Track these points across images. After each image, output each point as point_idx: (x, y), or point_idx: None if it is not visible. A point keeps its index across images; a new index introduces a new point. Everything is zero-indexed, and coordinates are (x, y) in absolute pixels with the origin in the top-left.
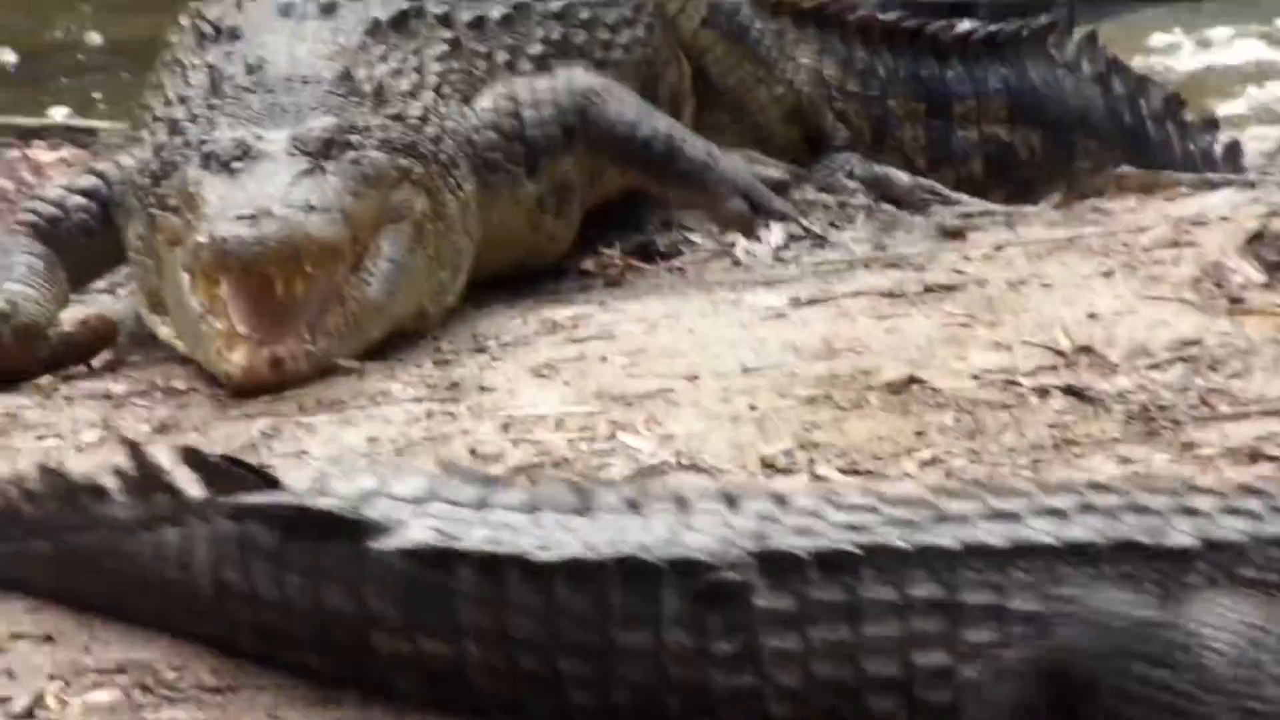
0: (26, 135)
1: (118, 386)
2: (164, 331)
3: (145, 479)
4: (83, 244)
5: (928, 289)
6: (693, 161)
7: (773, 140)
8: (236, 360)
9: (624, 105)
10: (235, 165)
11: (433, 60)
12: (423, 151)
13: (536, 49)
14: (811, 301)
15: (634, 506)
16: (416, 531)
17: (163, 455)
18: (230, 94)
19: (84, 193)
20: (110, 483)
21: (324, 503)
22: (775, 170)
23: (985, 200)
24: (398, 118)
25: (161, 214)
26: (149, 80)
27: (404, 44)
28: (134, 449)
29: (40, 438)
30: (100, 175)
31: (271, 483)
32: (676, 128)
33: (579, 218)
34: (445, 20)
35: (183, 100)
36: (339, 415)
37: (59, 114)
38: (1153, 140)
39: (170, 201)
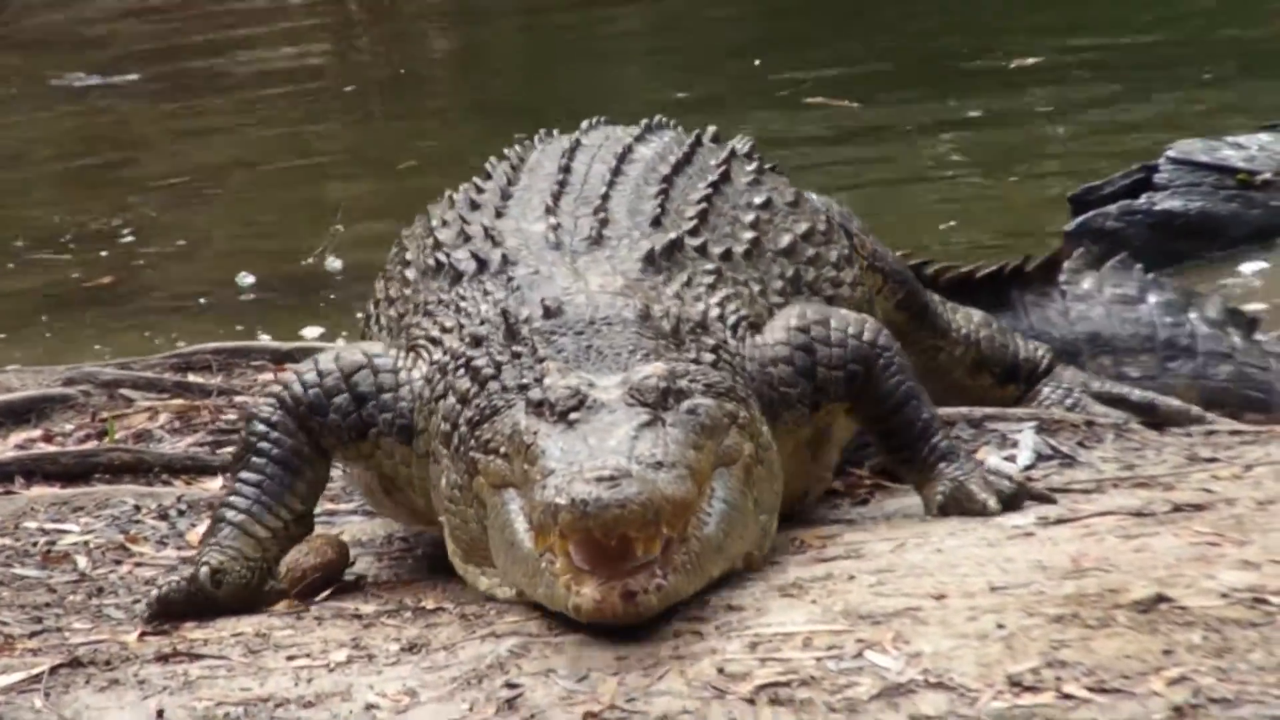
0: (280, 358)
1: (367, 606)
2: (485, 583)
3: None
4: (339, 449)
5: (1176, 508)
6: (933, 449)
7: (971, 391)
8: (588, 594)
9: (902, 371)
10: (573, 416)
11: (706, 289)
12: (742, 395)
13: (778, 284)
14: (1059, 521)
15: None
16: None
17: None
18: (533, 335)
19: (352, 395)
20: None
21: None
22: None
23: None
24: (706, 354)
25: (485, 458)
26: (388, 292)
27: (677, 274)
28: None
29: (291, 657)
30: (374, 383)
31: None
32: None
33: (834, 460)
34: (702, 251)
35: (476, 341)
36: (586, 634)
37: (312, 335)
38: None
39: (496, 447)
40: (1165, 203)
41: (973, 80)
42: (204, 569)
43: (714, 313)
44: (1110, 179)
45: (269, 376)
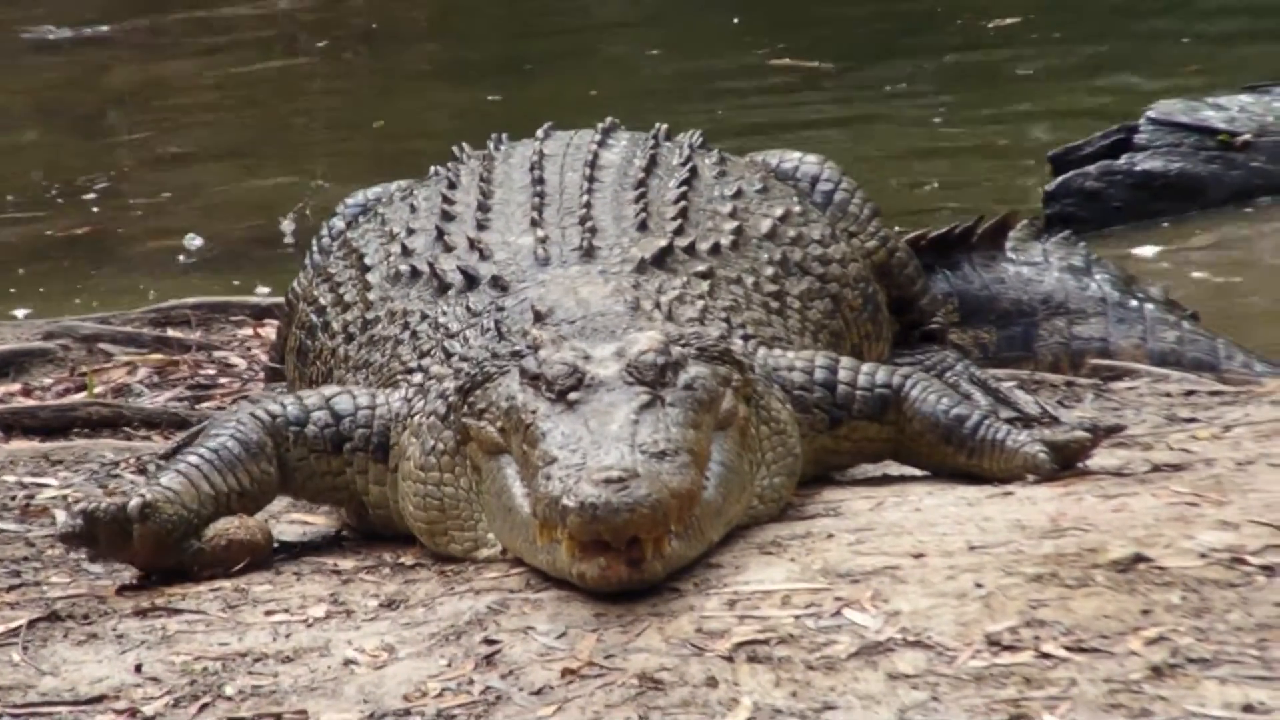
0: (260, 314)
1: (346, 562)
2: (458, 550)
3: None
4: (308, 462)
5: (1155, 468)
6: (999, 429)
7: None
8: (594, 560)
9: (933, 384)
10: (571, 396)
11: (699, 289)
12: (738, 358)
13: (769, 270)
14: (1037, 480)
15: None
16: None
17: None
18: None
19: (331, 413)
20: None
21: None
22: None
23: None
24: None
25: (477, 424)
26: (340, 296)
27: (670, 279)
28: None
29: (269, 613)
30: (353, 404)
31: None
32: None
33: None
34: (691, 250)
35: (465, 359)
36: (565, 591)
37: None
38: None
39: (493, 417)
40: (1145, 163)
41: (952, 42)
42: (135, 500)
43: (719, 316)
44: (1090, 139)
45: (248, 332)
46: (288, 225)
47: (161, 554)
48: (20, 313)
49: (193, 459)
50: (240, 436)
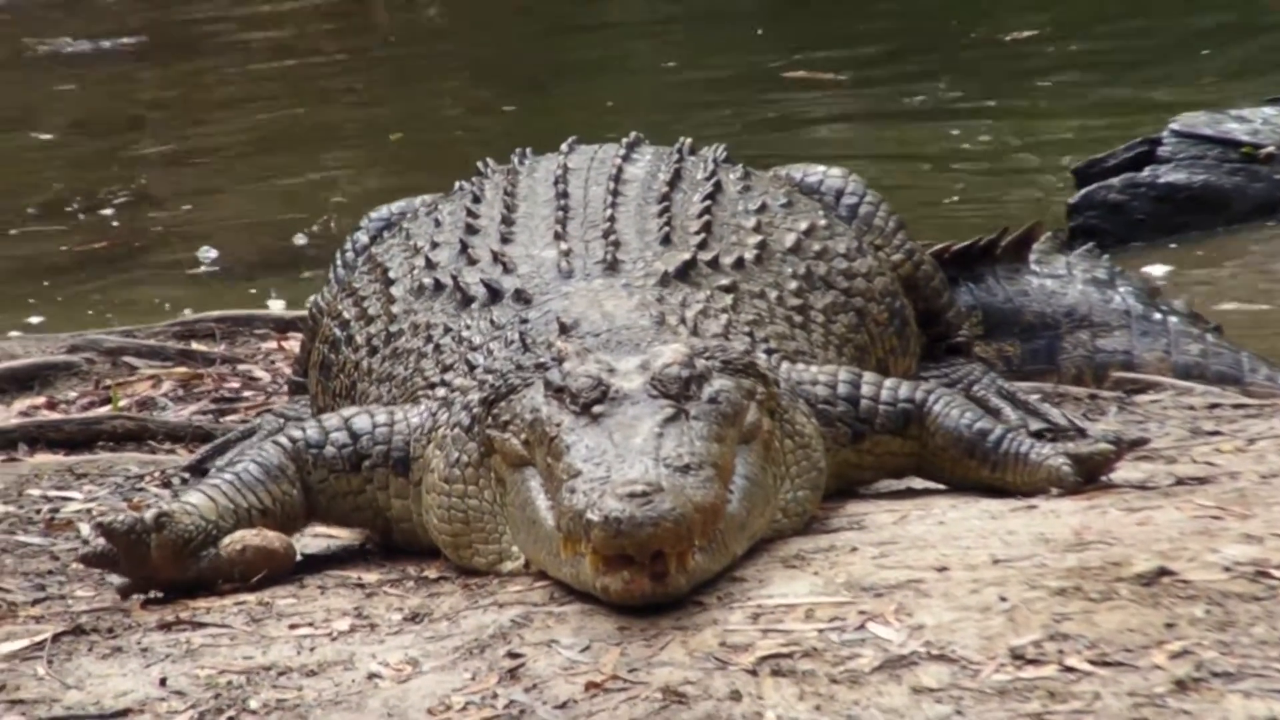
0: (283, 327)
1: (370, 575)
2: (482, 563)
3: None
4: (329, 483)
5: (1179, 481)
6: (1024, 443)
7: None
8: (618, 574)
9: (957, 398)
10: (596, 409)
11: (723, 303)
12: (762, 371)
13: (792, 284)
14: (1062, 493)
15: None
16: None
17: None
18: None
19: (349, 432)
20: None
21: None
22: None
23: None
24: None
25: (501, 436)
26: (364, 310)
27: (694, 292)
28: None
29: (293, 626)
30: (370, 422)
31: None
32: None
33: None
34: (714, 264)
35: (489, 371)
36: (589, 604)
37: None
38: None
39: (511, 425)
40: (1169, 175)
41: (969, 54)
42: (152, 510)
43: (743, 330)
44: (1114, 151)
45: (272, 345)
46: (301, 237)
47: (180, 565)
48: (35, 320)
49: (213, 480)
50: (261, 461)
